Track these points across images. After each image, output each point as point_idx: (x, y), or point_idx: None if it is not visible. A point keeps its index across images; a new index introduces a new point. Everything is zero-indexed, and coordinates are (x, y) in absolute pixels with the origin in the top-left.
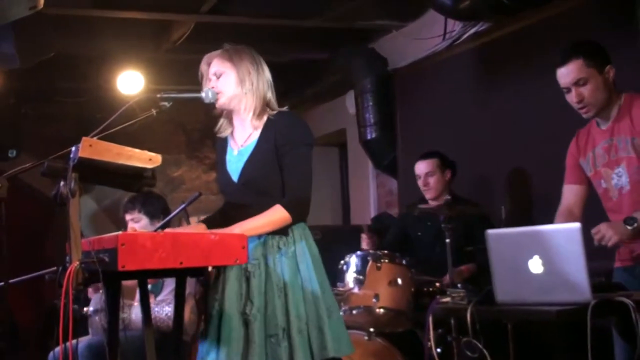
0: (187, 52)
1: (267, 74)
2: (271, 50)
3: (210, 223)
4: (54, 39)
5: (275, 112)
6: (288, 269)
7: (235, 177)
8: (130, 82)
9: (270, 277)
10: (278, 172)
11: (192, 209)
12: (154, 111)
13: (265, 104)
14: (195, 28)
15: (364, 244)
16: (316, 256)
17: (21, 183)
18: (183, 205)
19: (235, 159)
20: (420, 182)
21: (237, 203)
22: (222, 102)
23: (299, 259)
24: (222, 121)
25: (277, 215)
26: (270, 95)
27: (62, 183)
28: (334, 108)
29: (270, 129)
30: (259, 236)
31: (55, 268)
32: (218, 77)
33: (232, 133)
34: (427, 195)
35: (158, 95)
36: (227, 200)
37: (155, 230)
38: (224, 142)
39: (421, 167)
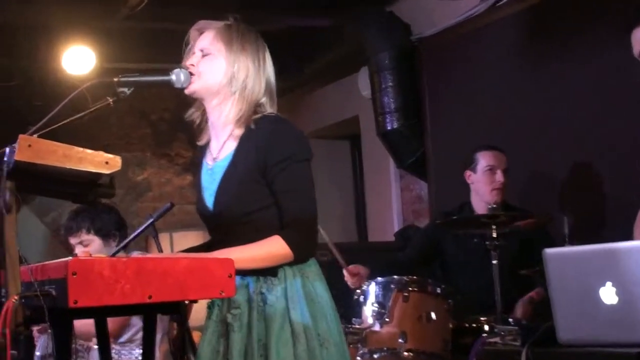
0: (150, 19)
1: (269, 71)
2: (260, 16)
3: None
4: None
5: (258, 116)
6: (273, 318)
7: (210, 203)
8: (78, 60)
9: (251, 332)
10: (264, 199)
11: (163, 224)
12: (110, 100)
13: (254, 109)
14: None
15: (348, 281)
16: (318, 298)
17: None
18: (151, 220)
19: (209, 177)
20: (494, 178)
21: (220, 238)
22: (194, 87)
23: (290, 304)
24: (194, 111)
25: (275, 247)
26: (265, 99)
27: None
28: (343, 90)
29: (251, 140)
30: (243, 277)
31: None
32: (204, 56)
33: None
34: (496, 198)
35: (115, 80)
36: (209, 232)
37: (114, 254)
38: (202, 152)
39: (500, 157)
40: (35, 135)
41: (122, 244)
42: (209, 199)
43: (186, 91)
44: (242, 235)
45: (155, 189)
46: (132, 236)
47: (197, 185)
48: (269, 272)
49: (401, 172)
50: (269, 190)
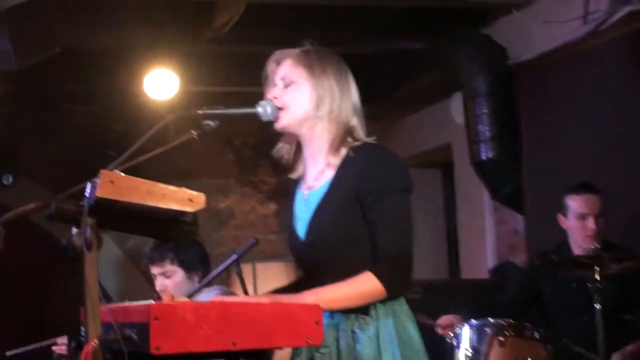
0: (235, 41)
1: (353, 93)
2: (347, 38)
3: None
4: (59, 31)
5: (358, 143)
6: (364, 359)
7: (302, 233)
8: (160, 83)
9: None
10: (359, 230)
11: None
12: (194, 133)
13: (347, 133)
14: (247, 10)
15: (440, 332)
16: (410, 341)
17: (23, 221)
18: (234, 257)
19: (304, 207)
20: (586, 225)
21: (309, 271)
22: (285, 121)
23: (382, 345)
24: (282, 145)
25: (367, 285)
26: (355, 122)
27: (74, 230)
28: (435, 116)
29: (350, 168)
30: (332, 314)
31: (64, 341)
32: (286, 86)
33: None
34: (590, 245)
35: (200, 112)
36: (298, 266)
37: (197, 291)
38: (295, 184)
39: (592, 202)
40: (117, 170)
41: (204, 281)
42: (301, 229)
43: (276, 127)
44: (333, 269)
45: (238, 217)
46: (214, 273)
47: (289, 218)
48: (360, 310)
49: (496, 204)
50: (365, 220)
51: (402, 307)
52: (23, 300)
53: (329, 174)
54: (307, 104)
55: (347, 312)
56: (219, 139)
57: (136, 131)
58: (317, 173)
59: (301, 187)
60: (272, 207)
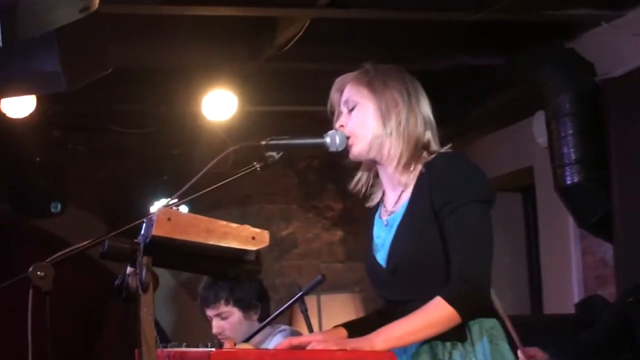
0: (297, 59)
1: (423, 105)
2: (420, 54)
3: (355, 329)
4: (112, 50)
5: (431, 157)
6: None
7: (382, 260)
8: (218, 104)
9: None
10: (440, 250)
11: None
12: (257, 165)
13: (420, 148)
14: (311, 26)
15: None
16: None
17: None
18: (299, 294)
19: (384, 233)
20: None
21: (391, 300)
22: (357, 150)
23: None
24: (361, 175)
25: (438, 313)
26: (429, 135)
27: (129, 269)
28: (515, 137)
29: (425, 181)
30: (431, 344)
31: None
32: (350, 110)
33: (381, 196)
34: None
35: (263, 143)
36: (379, 295)
37: (258, 331)
38: (372, 212)
39: None
40: (174, 207)
41: (267, 321)
42: (381, 256)
43: (351, 157)
44: (418, 294)
45: (302, 246)
46: (278, 311)
47: (368, 247)
48: (454, 335)
49: (582, 232)
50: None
51: (494, 328)
52: (77, 337)
53: (406, 195)
54: (373, 123)
55: (441, 337)
56: (281, 162)
57: (193, 155)
58: (396, 197)
59: (380, 214)
60: (338, 234)
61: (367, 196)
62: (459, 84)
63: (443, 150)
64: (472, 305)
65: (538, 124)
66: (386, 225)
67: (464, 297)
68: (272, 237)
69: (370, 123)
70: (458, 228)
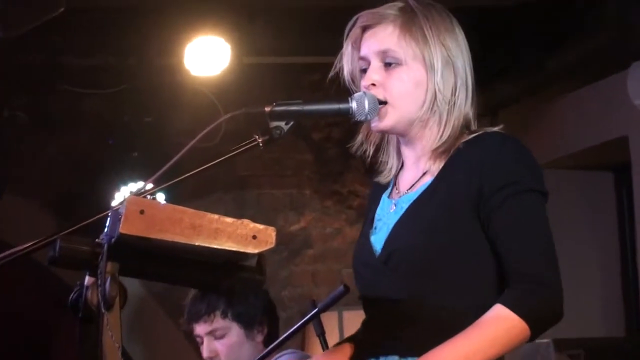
0: None
1: (470, 70)
2: None
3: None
4: None
5: (473, 135)
6: None
7: (378, 244)
8: (206, 55)
9: None
10: (469, 242)
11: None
12: (259, 140)
13: (463, 127)
14: None
15: None
16: None
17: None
18: (315, 310)
19: (388, 214)
20: None
21: (372, 298)
22: (389, 124)
23: None
24: (360, 141)
25: (504, 326)
26: (474, 110)
27: (88, 280)
28: (602, 97)
29: (459, 164)
30: None
31: None
32: (386, 65)
33: (397, 174)
34: None
35: (267, 109)
36: (362, 296)
37: (263, 357)
38: (379, 189)
39: None
40: (148, 196)
41: (274, 344)
42: (378, 239)
43: (376, 128)
44: (418, 304)
45: (318, 244)
46: (288, 332)
47: (364, 229)
48: None
49: None
50: (478, 233)
51: None
52: None
53: (429, 177)
54: (422, 96)
55: None
56: (293, 134)
57: (172, 123)
58: (415, 177)
59: (391, 193)
60: None
61: (375, 170)
62: (531, 27)
63: (490, 129)
64: (546, 320)
65: (634, 79)
66: (395, 206)
67: (536, 306)
68: (278, 234)
69: (417, 95)
70: (517, 221)
